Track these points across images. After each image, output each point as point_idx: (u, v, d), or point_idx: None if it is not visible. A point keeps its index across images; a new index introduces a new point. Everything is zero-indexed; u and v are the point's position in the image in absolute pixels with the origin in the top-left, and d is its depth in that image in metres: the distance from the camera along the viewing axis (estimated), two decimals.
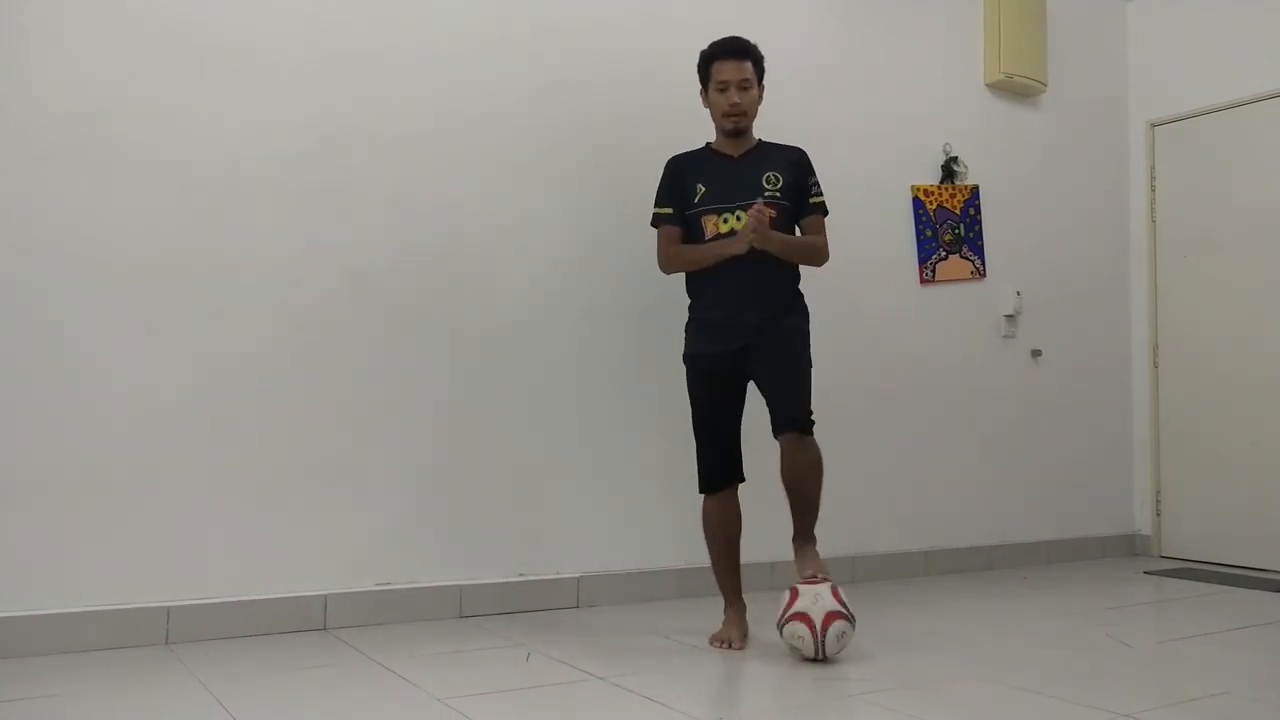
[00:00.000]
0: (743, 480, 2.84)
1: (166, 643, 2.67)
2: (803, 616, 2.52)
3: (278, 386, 2.89)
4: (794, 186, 2.83)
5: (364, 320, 3.03)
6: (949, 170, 4.31)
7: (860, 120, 4.07)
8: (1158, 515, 4.79)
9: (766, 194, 2.77)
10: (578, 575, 3.32)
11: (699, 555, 3.45)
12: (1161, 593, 3.90)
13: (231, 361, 2.83)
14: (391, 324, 3.07)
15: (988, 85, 4.47)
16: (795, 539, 2.74)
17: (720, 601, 2.89)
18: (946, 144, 4.32)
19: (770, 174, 2.81)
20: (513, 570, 3.22)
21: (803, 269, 2.90)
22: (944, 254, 4.29)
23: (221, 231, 2.83)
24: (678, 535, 3.49)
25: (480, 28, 3.26)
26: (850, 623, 2.58)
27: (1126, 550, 4.83)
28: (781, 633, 2.58)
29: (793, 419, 2.67)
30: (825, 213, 2.91)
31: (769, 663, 2.58)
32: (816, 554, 2.71)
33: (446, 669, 2.48)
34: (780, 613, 2.58)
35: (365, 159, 3.06)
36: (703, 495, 2.85)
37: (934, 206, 4.27)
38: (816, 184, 2.90)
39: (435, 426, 3.12)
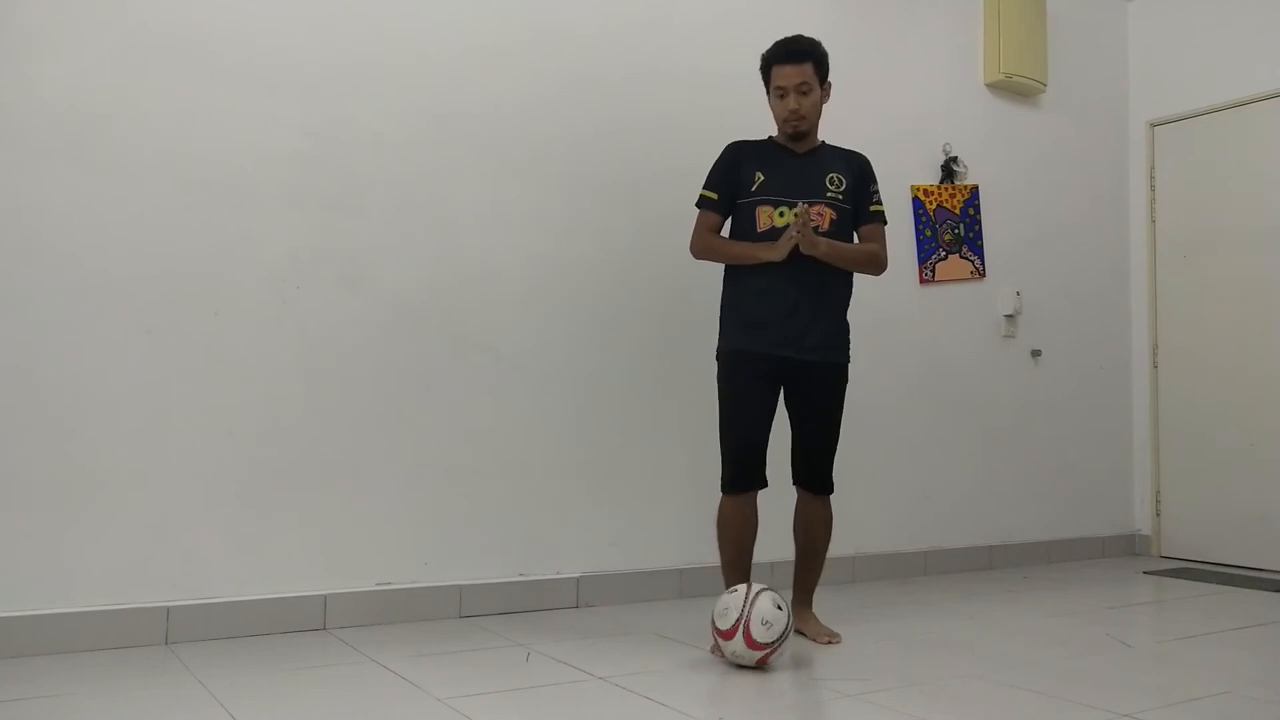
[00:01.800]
0: (765, 485, 2.80)
1: (166, 643, 2.67)
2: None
3: (277, 386, 2.89)
4: (855, 191, 2.81)
5: (364, 320, 3.03)
6: (949, 170, 4.31)
7: (860, 120, 4.05)
8: (1158, 515, 4.79)
9: (829, 194, 2.74)
10: (578, 575, 3.32)
11: (699, 555, 3.46)
12: (1161, 593, 3.90)
13: (231, 362, 2.82)
14: (391, 324, 3.07)
15: (988, 85, 4.46)
16: (799, 601, 2.88)
17: None
18: (946, 144, 4.32)
19: (834, 175, 2.78)
20: (513, 570, 3.22)
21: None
22: (944, 254, 4.29)
23: (221, 231, 2.83)
24: (678, 535, 3.49)
25: (481, 28, 3.26)
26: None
27: (1126, 550, 4.83)
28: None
29: (822, 481, 2.85)
30: (885, 221, 2.88)
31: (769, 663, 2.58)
32: (816, 617, 2.89)
33: (446, 669, 2.48)
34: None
35: (366, 159, 3.06)
36: (723, 495, 2.79)
37: (934, 206, 4.27)
38: (878, 191, 2.88)
39: (435, 426, 3.12)
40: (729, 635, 2.46)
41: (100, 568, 2.62)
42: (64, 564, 2.59)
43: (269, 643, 2.71)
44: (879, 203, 2.87)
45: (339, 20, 3.03)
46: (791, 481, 2.89)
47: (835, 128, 3.92)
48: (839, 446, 2.89)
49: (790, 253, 2.67)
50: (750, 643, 2.44)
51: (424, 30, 3.17)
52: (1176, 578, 4.18)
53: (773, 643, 2.44)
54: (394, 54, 3.11)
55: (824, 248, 2.67)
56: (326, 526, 2.93)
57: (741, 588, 2.52)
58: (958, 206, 4.32)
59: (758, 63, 2.86)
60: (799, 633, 2.82)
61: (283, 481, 2.88)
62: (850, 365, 2.90)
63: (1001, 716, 2.18)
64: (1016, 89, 4.52)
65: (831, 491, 2.88)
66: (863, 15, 4.10)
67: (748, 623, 2.44)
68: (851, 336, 2.90)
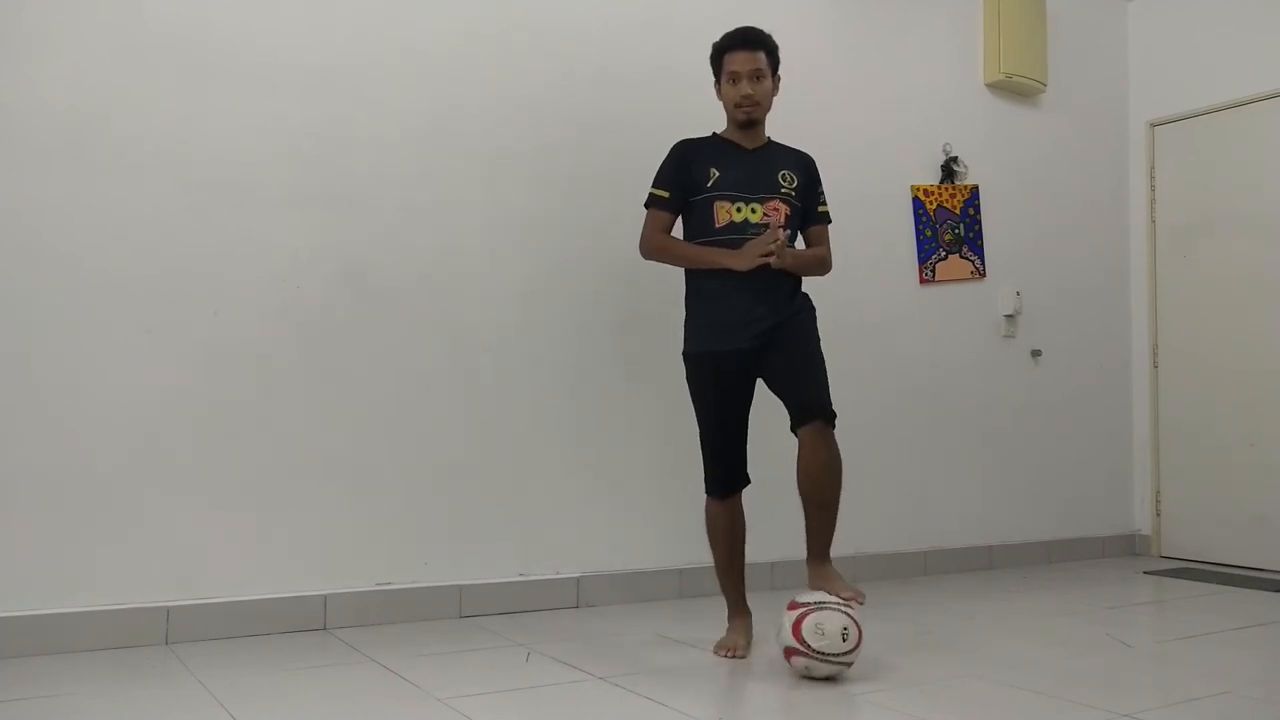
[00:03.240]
0: (748, 483, 2.80)
1: (166, 643, 2.67)
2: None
3: (277, 386, 2.89)
4: (804, 190, 2.80)
5: (364, 320, 3.03)
6: (949, 170, 4.31)
7: (860, 120, 4.07)
8: (1158, 515, 4.79)
9: (783, 190, 2.74)
10: (578, 575, 3.32)
11: (699, 555, 3.44)
12: (1161, 593, 3.90)
13: (231, 362, 2.83)
14: (391, 324, 3.07)
15: (988, 85, 4.46)
16: (814, 557, 2.59)
17: (723, 602, 2.85)
18: (946, 144, 4.32)
19: (785, 172, 2.78)
20: (513, 570, 3.22)
21: None
22: (944, 254, 4.29)
23: (221, 231, 2.83)
24: (678, 535, 3.49)
25: (480, 28, 3.26)
26: (818, 659, 2.39)
27: (1126, 550, 4.83)
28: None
29: (819, 405, 2.56)
30: (829, 221, 2.89)
31: (769, 663, 2.58)
32: (838, 573, 2.58)
33: (446, 669, 2.48)
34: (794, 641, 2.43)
35: (365, 159, 3.06)
36: (708, 497, 2.79)
37: (934, 206, 4.27)
38: (823, 193, 2.88)
39: (435, 426, 3.12)
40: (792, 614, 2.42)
41: (100, 568, 2.62)
42: (64, 564, 2.59)
43: (269, 643, 2.71)
44: (825, 203, 2.88)
45: (339, 20, 3.03)
46: (790, 429, 2.64)
47: (835, 127, 3.96)
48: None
49: (741, 244, 2.66)
50: (796, 633, 2.39)
51: (424, 30, 3.17)
52: (1176, 578, 4.18)
53: (815, 652, 2.37)
54: (394, 54, 3.11)
55: (790, 260, 2.67)
56: (326, 526, 2.93)
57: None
58: (958, 206, 4.32)
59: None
60: (819, 590, 2.57)
61: (283, 481, 2.88)
62: (816, 317, 2.77)
63: (1001, 716, 2.18)
64: (1016, 89, 4.52)
65: (833, 418, 2.58)
66: (863, 15, 4.10)
67: (807, 616, 2.40)
68: (832, 323, 2.81)
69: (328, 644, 2.72)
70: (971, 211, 4.36)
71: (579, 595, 3.31)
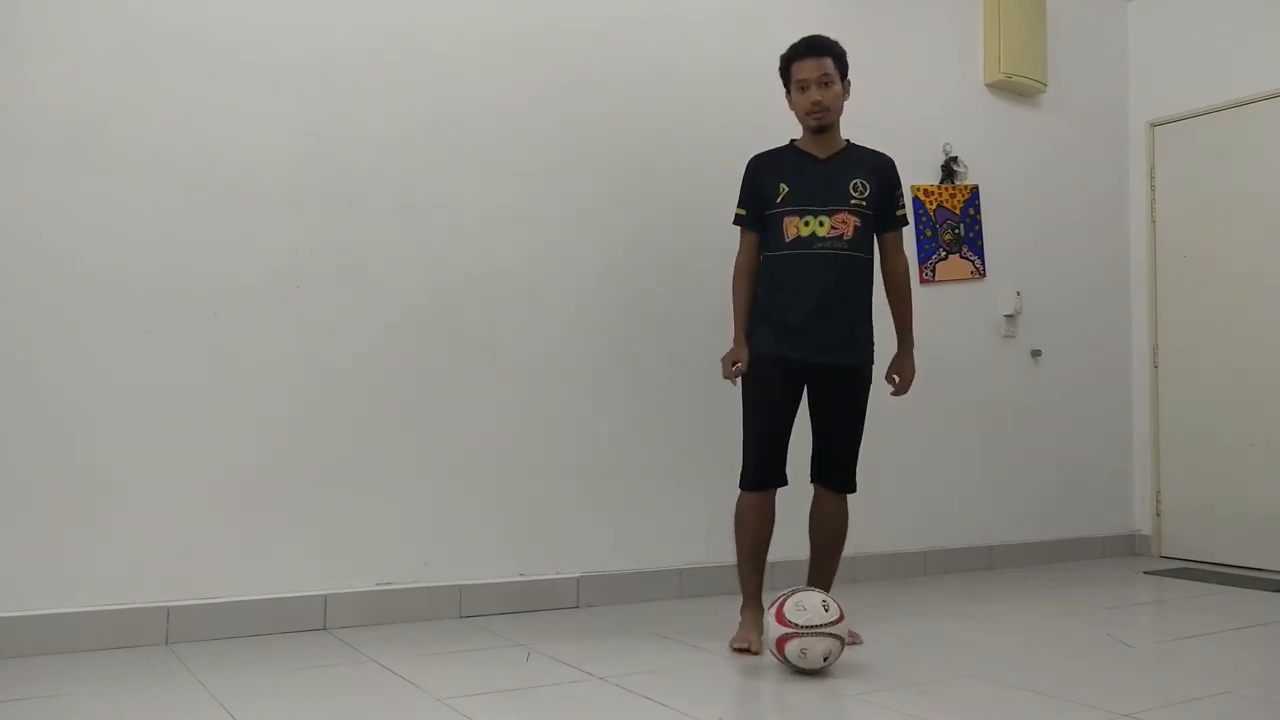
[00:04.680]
0: (785, 483, 2.82)
1: (166, 643, 2.67)
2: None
3: (277, 386, 2.89)
4: (880, 195, 2.80)
5: (364, 320, 3.03)
6: (949, 170, 4.31)
7: (860, 120, 4.05)
8: (1158, 515, 4.79)
9: (853, 201, 2.75)
10: (578, 575, 3.32)
11: (699, 555, 3.47)
12: (1161, 593, 3.90)
13: (231, 362, 2.83)
14: (391, 323, 3.07)
15: (988, 85, 4.46)
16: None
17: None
18: (946, 144, 4.32)
19: (858, 181, 2.77)
20: (513, 570, 3.22)
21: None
22: (944, 254, 4.29)
23: (221, 231, 2.83)
24: (677, 535, 3.49)
25: (481, 27, 3.26)
26: (813, 636, 2.43)
27: (1126, 550, 4.83)
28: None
29: (844, 482, 2.86)
30: (905, 224, 2.91)
31: (769, 663, 2.58)
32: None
33: (446, 669, 2.48)
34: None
35: (366, 159, 3.06)
36: (742, 491, 2.82)
37: (934, 206, 4.27)
38: (901, 195, 2.88)
39: (435, 426, 3.12)
40: (774, 615, 2.48)
41: (100, 568, 2.62)
42: (64, 564, 2.59)
43: (269, 643, 2.71)
44: (902, 206, 2.89)
45: (339, 20, 3.03)
46: (810, 479, 2.87)
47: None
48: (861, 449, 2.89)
49: (808, 258, 2.73)
50: (780, 619, 2.44)
51: (424, 30, 3.16)
52: (1176, 578, 4.18)
53: (801, 627, 2.41)
54: (394, 54, 3.11)
55: (909, 367, 2.93)
56: (326, 526, 2.93)
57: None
58: (958, 206, 4.32)
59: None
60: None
61: (283, 481, 2.88)
62: (874, 367, 2.88)
63: (1001, 716, 2.18)
64: (1016, 89, 4.51)
65: (853, 491, 2.88)
66: (863, 15, 4.10)
67: (785, 601, 2.47)
68: (876, 339, 2.88)
69: (328, 644, 2.72)
70: (971, 211, 4.36)
71: (579, 595, 3.31)
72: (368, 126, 3.06)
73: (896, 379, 2.94)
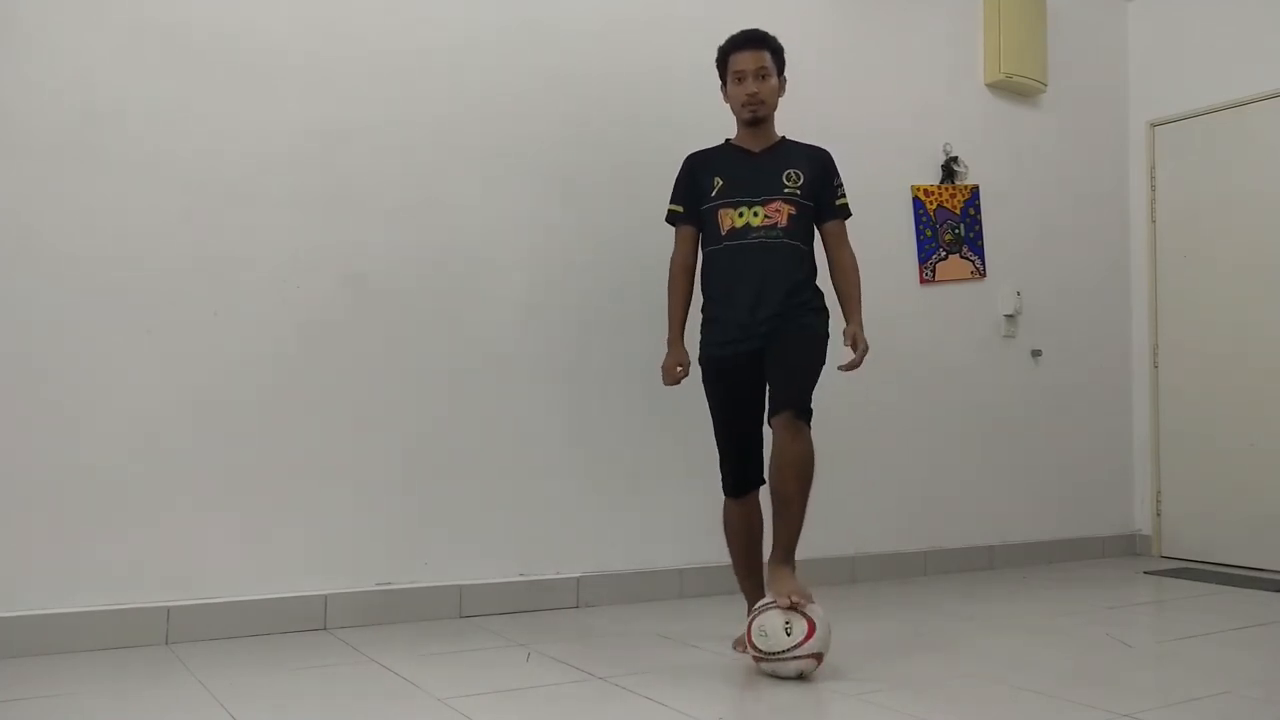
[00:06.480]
0: (762, 483, 2.77)
1: (166, 643, 2.67)
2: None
3: (278, 386, 2.89)
4: (815, 184, 2.78)
5: (364, 320, 3.03)
6: (949, 170, 4.31)
7: (860, 120, 4.06)
8: (1158, 515, 4.79)
9: (786, 190, 2.73)
10: (578, 575, 3.32)
11: (699, 555, 3.46)
12: (1161, 593, 3.90)
13: (231, 361, 2.83)
14: (391, 324, 3.07)
15: (988, 85, 4.46)
16: (770, 560, 2.54)
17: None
18: (946, 144, 4.32)
19: (791, 171, 2.75)
20: (513, 570, 3.22)
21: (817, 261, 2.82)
22: (944, 254, 4.29)
23: (221, 231, 2.83)
24: (677, 535, 3.49)
25: (480, 27, 3.26)
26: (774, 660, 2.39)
27: (1126, 550, 4.83)
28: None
29: (789, 399, 2.55)
30: (848, 215, 2.85)
31: None
32: (792, 575, 2.49)
33: (446, 669, 2.48)
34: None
35: (365, 159, 3.06)
36: (725, 498, 2.81)
37: (934, 206, 4.27)
38: (841, 185, 2.84)
39: (435, 426, 3.12)
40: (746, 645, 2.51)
41: (100, 568, 2.62)
42: (64, 564, 2.59)
43: (269, 643, 2.71)
44: (843, 196, 2.84)
45: (339, 20, 3.03)
46: (766, 420, 2.65)
47: (835, 127, 3.94)
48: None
49: (743, 248, 2.69)
50: (749, 642, 2.45)
51: (424, 30, 3.16)
52: (1176, 578, 4.18)
53: (765, 654, 2.39)
54: (394, 54, 3.11)
55: (861, 340, 2.73)
56: (326, 526, 2.93)
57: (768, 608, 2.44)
58: (958, 206, 4.32)
59: None
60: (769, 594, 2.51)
61: (283, 481, 2.88)
62: (828, 321, 2.77)
63: (1001, 716, 2.18)
64: (1016, 89, 4.52)
65: (808, 417, 2.56)
66: (863, 15, 4.11)
67: (750, 623, 2.46)
68: (832, 323, 2.78)
69: (328, 644, 2.72)
70: (971, 211, 4.36)
71: (579, 595, 3.31)
72: (368, 126, 3.06)
73: (853, 346, 2.73)
